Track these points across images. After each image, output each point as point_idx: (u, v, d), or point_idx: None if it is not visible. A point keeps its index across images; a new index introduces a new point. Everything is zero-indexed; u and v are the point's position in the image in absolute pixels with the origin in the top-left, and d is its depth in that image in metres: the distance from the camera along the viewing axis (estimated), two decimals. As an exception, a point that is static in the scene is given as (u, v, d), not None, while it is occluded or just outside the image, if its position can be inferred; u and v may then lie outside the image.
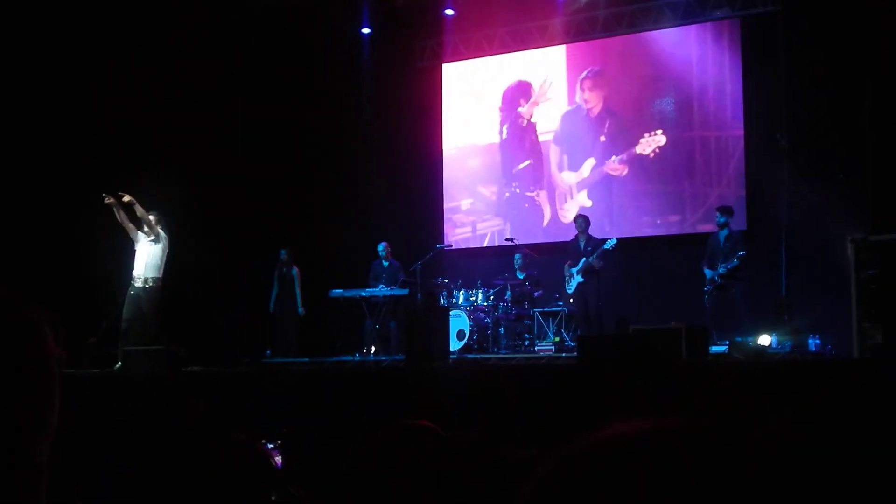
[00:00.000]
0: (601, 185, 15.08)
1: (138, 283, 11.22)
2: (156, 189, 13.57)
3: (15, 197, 12.56)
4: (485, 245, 15.90)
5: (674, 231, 14.43)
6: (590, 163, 15.20)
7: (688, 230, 14.26)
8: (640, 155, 14.72)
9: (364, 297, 13.79)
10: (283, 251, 14.44)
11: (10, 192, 12.52)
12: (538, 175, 15.64)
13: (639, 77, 14.78)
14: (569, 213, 15.20)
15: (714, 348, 10.80)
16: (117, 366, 10.79)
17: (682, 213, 14.41)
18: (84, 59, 13.10)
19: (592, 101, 15.25)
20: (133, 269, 11.30)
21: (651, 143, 14.60)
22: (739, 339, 11.25)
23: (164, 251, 11.35)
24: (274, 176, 15.55)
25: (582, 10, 14.94)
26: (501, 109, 16.00)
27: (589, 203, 15.08)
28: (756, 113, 13.66)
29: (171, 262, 13.79)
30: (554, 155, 15.57)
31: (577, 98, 15.37)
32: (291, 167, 15.76)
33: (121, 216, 11.17)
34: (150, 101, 13.64)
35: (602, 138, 15.10)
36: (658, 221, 14.58)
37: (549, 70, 15.59)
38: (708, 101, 14.21)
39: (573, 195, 15.30)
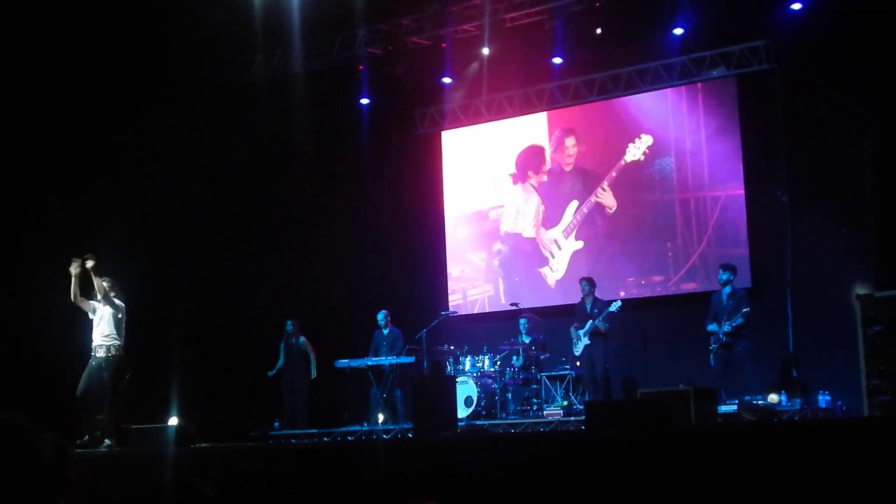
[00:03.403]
0: (588, 223, 15.04)
1: (100, 353, 10.61)
2: (163, 263, 13.66)
3: None
4: (475, 312, 15.84)
5: (662, 292, 14.40)
6: (572, 206, 15.17)
7: (677, 291, 14.25)
8: (628, 170, 14.69)
9: (370, 366, 13.82)
10: (289, 322, 14.44)
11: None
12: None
13: (630, 139, 14.78)
14: (556, 270, 15.21)
15: (723, 408, 10.73)
16: (84, 439, 10.16)
17: (666, 273, 14.38)
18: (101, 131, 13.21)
19: (571, 159, 15.33)
20: (91, 340, 10.69)
21: (640, 146, 14.58)
22: (748, 397, 11.18)
23: (122, 318, 10.70)
24: (277, 247, 15.60)
25: (579, 74, 15.02)
26: (514, 174, 15.91)
27: (580, 244, 15.06)
28: (755, 170, 13.66)
29: (180, 335, 13.81)
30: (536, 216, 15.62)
31: (557, 157, 15.45)
32: (294, 238, 15.79)
33: (75, 289, 10.50)
34: (152, 171, 13.77)
35: (580, 187, 15.18)
36: (643, 282, 14.56)
37: (544, 134, 15.64)
38: (703, 160, 14.21)
39: (560, 246, 15.26)
